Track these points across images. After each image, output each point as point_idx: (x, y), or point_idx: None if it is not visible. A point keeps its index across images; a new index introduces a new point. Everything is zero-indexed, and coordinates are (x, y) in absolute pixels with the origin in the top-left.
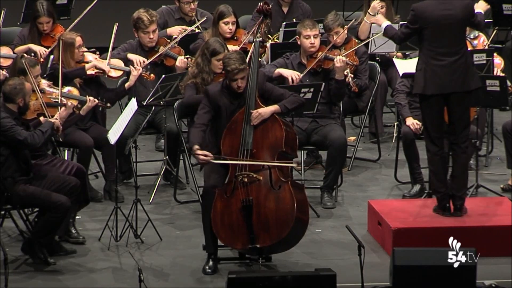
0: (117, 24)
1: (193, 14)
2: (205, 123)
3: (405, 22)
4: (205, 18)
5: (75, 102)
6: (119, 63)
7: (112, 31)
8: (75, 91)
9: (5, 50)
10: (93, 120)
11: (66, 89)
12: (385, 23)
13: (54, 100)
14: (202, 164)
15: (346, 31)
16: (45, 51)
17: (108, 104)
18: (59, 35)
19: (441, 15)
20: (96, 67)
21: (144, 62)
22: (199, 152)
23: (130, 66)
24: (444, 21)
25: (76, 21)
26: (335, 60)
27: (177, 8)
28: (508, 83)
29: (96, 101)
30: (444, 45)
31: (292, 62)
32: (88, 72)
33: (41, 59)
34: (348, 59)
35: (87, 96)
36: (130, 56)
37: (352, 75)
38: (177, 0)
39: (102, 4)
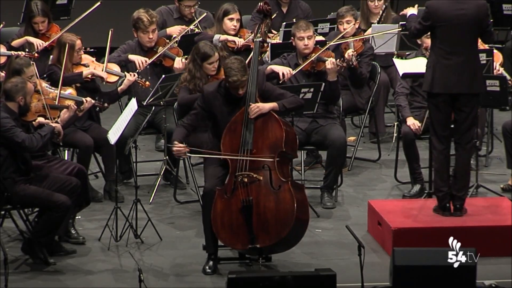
0: (112, 29)
1: (192, 14)
2: (191, 124)
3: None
4: (204, 14)
5: (72, 102)
6: (116, 68)
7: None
8: (73, 93)
9: (1, 48)
10: (91, 120)
11: (67, 91)
12: (411, 11)
13: (53, 100)
14: (177, 156)
15: (357, 25)
16: (42, 43)
17: (106, 104)
18: (55, 34)
19: (454, 15)
20: (94, 75)
21: (146, 62)
22: (175, 145)
23: (125, 73)
24: (457, 21)
25: (72, 23)
26: (326, 62)
27: (176, 7)
28: (507, 76)
29: (93, 101)
30: (455, 44)
31: (289, 63)
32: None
33: (36, 54)
34: (353, 52)
35: (84, 99)
36: (132, 57)
37: (356, 53)
38: (177, 1)
39: (102, 4)
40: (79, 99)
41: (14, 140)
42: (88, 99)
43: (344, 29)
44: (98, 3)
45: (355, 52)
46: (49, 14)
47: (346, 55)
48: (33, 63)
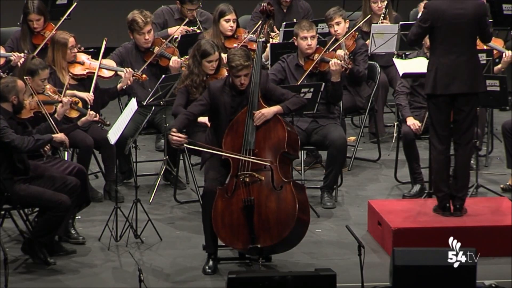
0: (106, 39)
1: (194, 15)
2: (195, 113)
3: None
4: (205, 17)
5: (76, 114)
6: (111, 63)
7: (112, 32)
8: (79, 103)
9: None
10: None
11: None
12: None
13: (48, 95)
14: (174, 145)
15: (347, 25)
16: (18, 55)
17: (108, 122)
18: (49, 33)
19: (453, 14)
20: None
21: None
22: (174, 134)
23: (121, 68)
24: (456, 21)
25: (61, 21)
26: (330, 63)
27: (177, 8)
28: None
29: (97, 117)
30: (454, 44)
31: (289, 65)
32: (79, 72)
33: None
34: (345, 51)
35: (89, 110)
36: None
37: (348, 52)
38: (179, 3)
39: (102, 4)
40: (83, 111)
41: (3, 141)
42: (92, 112)
43: (334, 31)
44: (75, 4)
45: (347, 52)
46: (46, 14)
47: (336, 56)
48: (48, 66)
